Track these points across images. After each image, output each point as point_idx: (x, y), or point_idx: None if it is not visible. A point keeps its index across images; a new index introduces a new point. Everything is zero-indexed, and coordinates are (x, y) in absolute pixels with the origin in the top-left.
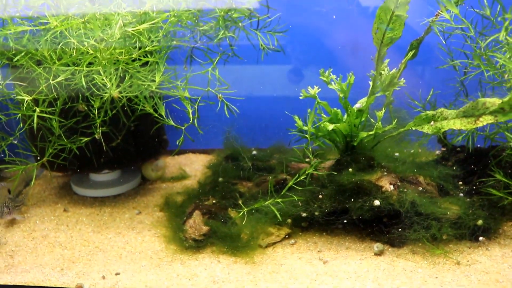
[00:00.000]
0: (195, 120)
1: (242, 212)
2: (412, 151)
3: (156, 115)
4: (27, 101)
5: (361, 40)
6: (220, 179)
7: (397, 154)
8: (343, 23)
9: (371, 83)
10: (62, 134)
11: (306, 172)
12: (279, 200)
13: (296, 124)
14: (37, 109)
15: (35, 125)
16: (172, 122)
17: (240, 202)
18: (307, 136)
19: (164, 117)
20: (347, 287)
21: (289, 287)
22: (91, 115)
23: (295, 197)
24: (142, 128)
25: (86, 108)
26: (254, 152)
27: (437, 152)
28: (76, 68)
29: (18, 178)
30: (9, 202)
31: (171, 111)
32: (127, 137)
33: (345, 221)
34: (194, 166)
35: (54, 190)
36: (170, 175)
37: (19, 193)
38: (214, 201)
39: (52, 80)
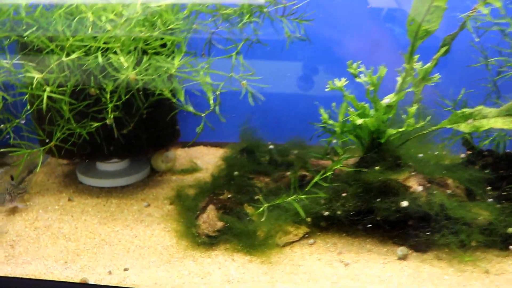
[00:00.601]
0: (216, 108)
1: (262, 208)
2: (436, 153)
3: (175, 101)
4: (37, 79)
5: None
6: (236, 172)
7: (420, 155)
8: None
9: (399, 78)
10: (71, 118)
11: (334, 167)
12: (303, 196)
13: (321, 118)
14: (47, 88)
15: (44, 105)
16: (191, 109)
17: (260, 197)
18: (330, 131)
19: (183, 103)
20: None
21: None
22: (103, 99)
23: (321, 194)
24: (155, 116)
25: (98, 91)
26: (271, 147)
27: (462, 155)
28: (93, 44)
29: (23, 163)
30: (11, 189)
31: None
32: (139, 124)
33: (369, 222)
34: (206, 159)
35: (58, 179)
36: (181, 167)
37: (22, 180)
38: (229, 196)
39: (65, 58)
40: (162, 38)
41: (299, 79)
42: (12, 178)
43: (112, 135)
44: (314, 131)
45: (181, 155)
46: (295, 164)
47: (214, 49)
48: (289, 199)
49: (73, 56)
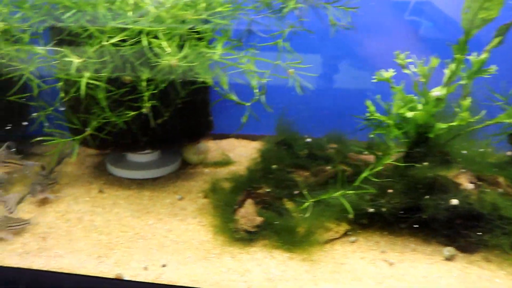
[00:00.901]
0: (259, 98)
1: (306, 204)
2: (482, 150)
3: (217, 89)
4: (76, 64)
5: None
6: (274, 166)
7: (464, 151)
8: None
9: (447, 70)
10: (106, 107)
11: (384, 162)
12: (351, 192)
13: (368, 109)
14: (86, 74)
15: (82, 92)
16: (235, 97)
17: (305, 192)
18: (376, 125)
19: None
20: None
21: None
22: (139, 87)
23: (371, 190)
24: (189, 106)
25: (133, 79)
26: (308, 140)
27: (508, 153)
28: (136, 27)
29: (57, 153)
30: (42, 180)
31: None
32: (173, 114)
33: (414, 220)
34: (237, 151)
35: (88, 170)
36: (213, 160)
37: (51, 170)
38: (267, 190)
39: (106, 42)
40: (207, 22)
41: (331, 73)
42: (43, 169)
43: (146, 125)
44: (350, 125)
45: (212, 148)
46: (334, 159)
47: (253, 38)
48: (336, 194)
49: (116, 39)
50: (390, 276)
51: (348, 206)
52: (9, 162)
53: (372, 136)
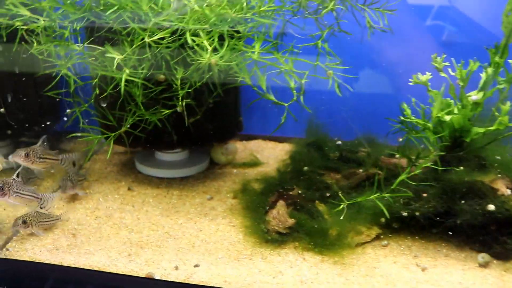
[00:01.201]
0: (297, 99)
1: (341, 206)
2: None
3: (255, 89)
4: (117, 60)
5: None
6: (306, 168)
7: (498, 157)
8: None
9: (484, 74)
10: (140, 105)
11: (423, 165)
12: (387, 195)
13: (404, 112)
14: (126, 70)
15: (122, 88)
16: (273, 97)
17: (340, 193)
18: (410, 128)
19: (265, 91)
20: None
21: None
22: (174, 85)
23: (409, 194)
24: (221, 106)
25: (167, 78)
26: (339, 143)
27: None
28: (180, 24)
29: (90, 149)
30: (72, 176)
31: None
32: (205, 114)
33: (448, 225)
34: (265, 153)
35: (116, 167)
36: (241, 161)
37: (80, 167)
38: (299, 192)
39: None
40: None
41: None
42: (74, 165)
43: (178, 123)
44: (379, 129)
45: (240, 148)
46: (366, 162)
47: (289, 39)
48: (372, 196)
49: (158, 36)
50: (424, 282)
51: (384, 209)
52: (45, 158)
53: (401, 140)
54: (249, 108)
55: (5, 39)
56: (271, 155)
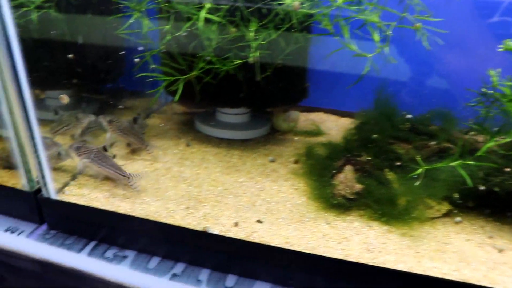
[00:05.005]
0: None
1: (419, 170)
2: None
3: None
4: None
5: None
6: (374, 135)
7: None
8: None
9: None
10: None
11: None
12: (471, 162)
13: (492, 79)
14: (207, 5)
15: (200, 23)
16: (354, 47)
17: (418, 158)
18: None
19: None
20: None
21: (462, 272)
22: (247, 36)
23: (493, 165)
24: (289, 69)
25: (240, 28)
26: (409, 116)
27: None
28: None
29: (158, 95)
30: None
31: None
32: (273, 74)
33: None
34: (326, 125)
35: (175, 126)
36: (302, 130)
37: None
38: (368, 158)
39: None
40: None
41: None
42: (135, 121)
43: (246, 81)
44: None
45: (301, 119)
46: (439, 135)
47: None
48: (454, 163)
49: None
50: (502, 263)
51: (467, 177)
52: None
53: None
54: (315, 80)
55: None
56: (334, 127)
